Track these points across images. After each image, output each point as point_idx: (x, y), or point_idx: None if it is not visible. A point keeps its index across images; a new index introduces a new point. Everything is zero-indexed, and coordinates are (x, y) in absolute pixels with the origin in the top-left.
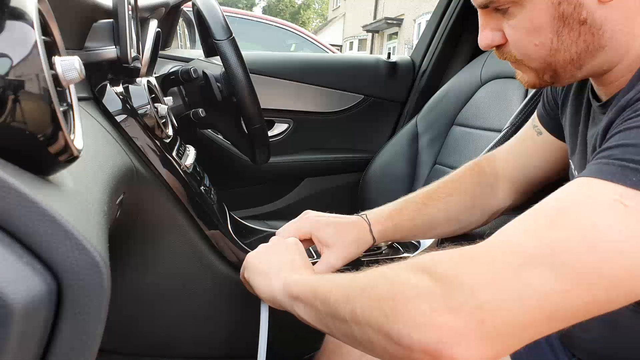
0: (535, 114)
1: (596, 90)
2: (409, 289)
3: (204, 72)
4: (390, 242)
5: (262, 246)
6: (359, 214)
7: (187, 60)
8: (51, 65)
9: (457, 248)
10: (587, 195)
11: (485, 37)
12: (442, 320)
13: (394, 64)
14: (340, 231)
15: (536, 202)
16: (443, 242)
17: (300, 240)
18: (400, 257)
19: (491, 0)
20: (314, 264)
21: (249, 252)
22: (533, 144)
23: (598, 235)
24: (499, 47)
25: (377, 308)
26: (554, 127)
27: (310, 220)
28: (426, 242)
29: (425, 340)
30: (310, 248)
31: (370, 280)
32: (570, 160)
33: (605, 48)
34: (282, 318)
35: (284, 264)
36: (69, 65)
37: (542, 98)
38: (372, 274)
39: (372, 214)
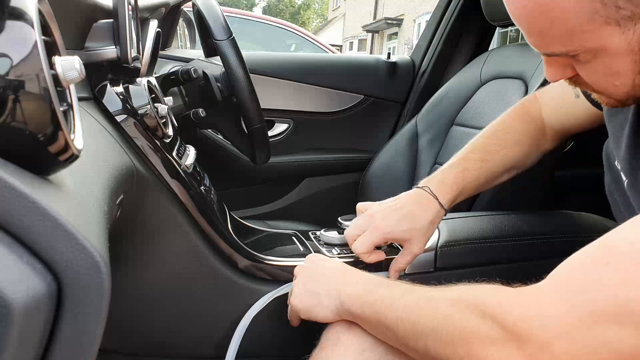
0: None
1: None
2: (481, 336)
3: (204, 72)
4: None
5: (297, 284)
6: (421, 187)
7: (187, 60)
8: (51, 65)
9: (522, 289)
10: None
11: (555, 73)
12: None
13: (394, 64)
14: (415, 222)
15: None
16: (442, 241)
17: None
18: None
19: (558, 53)
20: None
21: (249, 252)
22: (570, 104)
23: None
24: (571, 77)
25: (452, 350)
26: (592, 100)
27: (380, 227)
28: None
29: None
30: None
31: (439, 320)
32: (613, 151)
33: None
34: (278, 318)
35: (328, 281)
36: (69, 65)
37: None
38: (437, 311)
39: (435, 183)
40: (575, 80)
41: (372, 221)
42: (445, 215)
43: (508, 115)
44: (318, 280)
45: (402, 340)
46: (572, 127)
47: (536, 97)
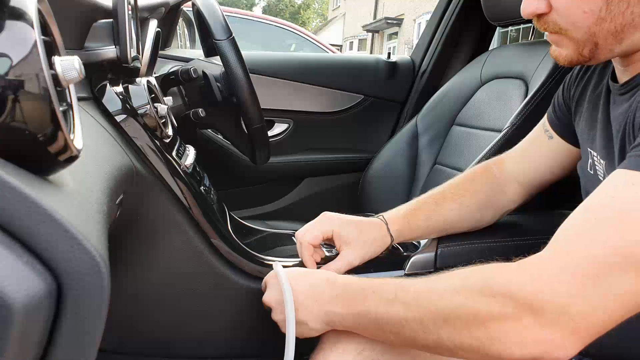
0: (545, 118)
1: (618, 72)
2: (497, 316)
3: (204, 72)
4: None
5: (276, 317)
6: (376, 215)
7: (187, 60)
8: (51, 65)
9: (523, 262)
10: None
11: (530, 4)
12: (540, 336)
13: (394, 64)
14: (362, 230)
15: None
16: (442, 241)
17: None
18: (401, 257)
19: None
20: (329, 260)
21: (249, 252)
22: (544, 147)
23: None
24: (540, 16)
25: (468, 336)
26: (564, 131)
27: (332, 219)
28: (425, 241)
29: (528, 353)
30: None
31: (449, 310)
32: (590, 151)
33: None
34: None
35: (309, 309)
36: (69, 65)
37: (553, 103)
38: (444, 302)
39: (388, 214)
40: (544, 19)
41: (325, 215)
42: (391, 243)
43: (471, 170)
44: (299, 311)
45: (408, 339)
46: (546, 173)
47: (502, 157)
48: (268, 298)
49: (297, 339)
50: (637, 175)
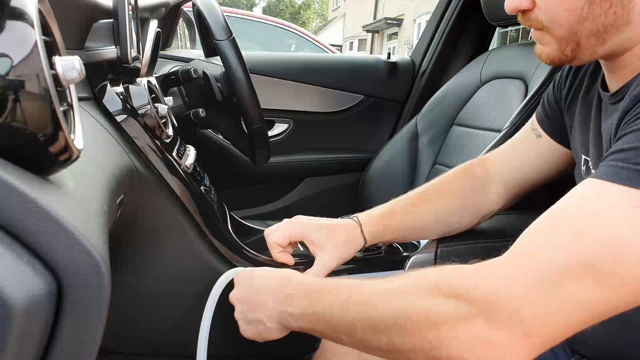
0: (534, 117)
1: (608, 79)
2: (449, 317)
3: (204, 72)
4: (390, 244)
5: (237, 315)
6: (350, 216)
7: (187, 60)
8: (51, 65)
9: (480, 264)
10: (606, 203)
11: (513, 0)
12: (491, 339)
13: (394, 64)
14: (332, 233)
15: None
16: (442, 240)
17: (290, 244)
18: (401, 257)
19: None
20: (306, 264)
21: (249, 252)
22: (531, 146)
23: (621, 244)
24: (525, 12)
25: (419, 338)
26: (553, 130)
27: (302, 223)
28: (425, 241)
29: (479, 358)
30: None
31: (400, 311)
32: (584, 158)
33: (631, 24)
34: None
35: (264, 307)
36: (69, 65)
37: (542, 101)
38: (396, 302)
39: (364, 215)
40: (528, 16)
41: (297, 219)
42: (364, 245)
43: (452, 171)
44: (255, 308)
45: (362, 342)
46: (532, 173)
47: (486, 156)
48: (232, 295)
49: (293, 339)
50: (602, 183)
